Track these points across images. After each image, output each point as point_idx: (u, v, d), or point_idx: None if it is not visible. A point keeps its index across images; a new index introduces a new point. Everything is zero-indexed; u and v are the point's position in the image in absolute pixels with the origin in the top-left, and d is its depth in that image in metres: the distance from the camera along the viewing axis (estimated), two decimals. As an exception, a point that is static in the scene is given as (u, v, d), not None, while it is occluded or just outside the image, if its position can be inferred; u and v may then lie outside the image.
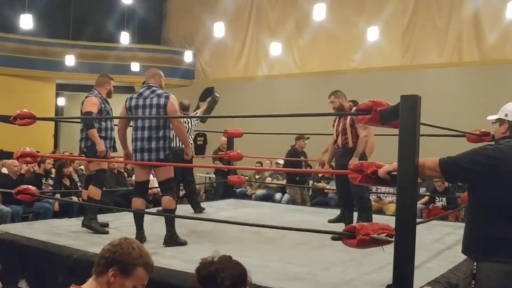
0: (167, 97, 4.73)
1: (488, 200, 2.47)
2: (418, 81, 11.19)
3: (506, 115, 2.60)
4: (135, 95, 4.84)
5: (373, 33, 10.41)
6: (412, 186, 2.81)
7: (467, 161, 2.50)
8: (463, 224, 6.28)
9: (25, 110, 4.99)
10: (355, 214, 5.47)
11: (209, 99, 7.19)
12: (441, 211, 7.90)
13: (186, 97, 13.83)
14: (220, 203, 8.07)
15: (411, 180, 2.79)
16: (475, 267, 2.50)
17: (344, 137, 5.37)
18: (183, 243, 4.70)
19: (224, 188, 9.02)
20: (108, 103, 5.44)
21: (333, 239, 4.74)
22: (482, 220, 2.51)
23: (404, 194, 2.83)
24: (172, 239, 4.67)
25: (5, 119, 5.00)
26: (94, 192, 5.17)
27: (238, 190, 9.94)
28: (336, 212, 6.72)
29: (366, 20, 11.64)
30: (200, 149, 14.00)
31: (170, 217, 4.74)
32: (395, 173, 2.88)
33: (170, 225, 4.71)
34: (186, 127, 6.37)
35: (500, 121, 2.63)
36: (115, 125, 5.48)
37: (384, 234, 3.08)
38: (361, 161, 3.13)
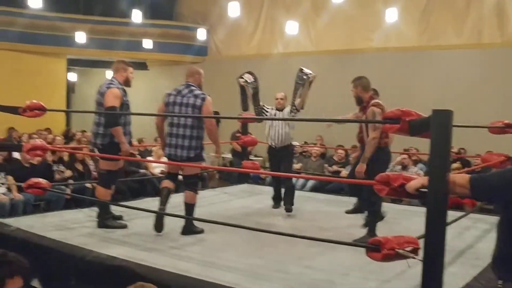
0: (203, 99, 4.83)
1: None
2: (435, 62, 10.93)
3: None
4: (173, 92, 4.94)
5: (391, 13, 10.10)
6: (443, 204, 2.65)
7: (499, 179, 2.32)
8: (482, 216, 6.14)
9: (34, 101, 4.85)
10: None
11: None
12: (457, 199, 7.71)
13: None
14: (234, 189, 7.97)
15: (442, 198, 2.62)
16: (500, 285, 2.37)
17: (361, 134, 5.07)
18: (200, 231, 4.91)
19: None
20: (127, 94, 5.07)
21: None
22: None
23: (434, 213, 2.67)
24: (188, 230, 4.88)
25: (13, 110, 4.84)
26: (103, 193, 5.02)
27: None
28: (352, 200, 6.58)
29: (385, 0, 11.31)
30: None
31: (189, 211, 4.94)
32: (425, 189, 2.70)
33: (189, 215, 4.91)
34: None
35: None
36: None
37: (410, 248, 2.94)
38: (387, 173, 2.95)
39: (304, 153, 10.54)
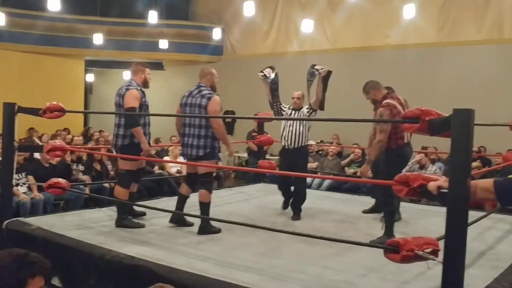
0: (209, 98, 4.92)
1: None
2: (455, 58, 10.80)
3: None
4: (186, 94, 5.08)
5: (409, 9, 9.99)
6: (464, 205, 2.61)
7: None
8: (504, 217, 6.04)
9: (54, 102, 4.92)
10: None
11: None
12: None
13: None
14: (250, 188, 7.97)
15: (463, 198, 2.58)
16: None
17: (374, 132, 5.05)
18: (217, 231, 4.91)
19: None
20: (145, 95, 5.18)
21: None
22: None
23: (454, 214, 2.64)
24: (205, 229, 4.88)
25: (34, 112, 4.92)
26: (121, 193, 5.09)
27: (268, 172, 9.78)
28: (368, 200, 6.54)
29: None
30: (229, 127, 13.89)
31: (204, 210, 4.97)
32: (445, 190, 2.68)
33: (204, 214, 4.95)
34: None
35: None
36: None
37: (429, 250, 2.92)
38: (407, 173, 2.93)
39: (320, 152, 10.50)
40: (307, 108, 5.88)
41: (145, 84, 5.22)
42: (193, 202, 5.26)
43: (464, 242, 2.66)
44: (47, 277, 2.01)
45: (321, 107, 5.82)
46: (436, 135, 2.88)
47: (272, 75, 5.94)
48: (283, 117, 6.06)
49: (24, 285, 1.92)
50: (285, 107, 6.04)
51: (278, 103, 6.00)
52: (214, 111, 4.92)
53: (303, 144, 5.87)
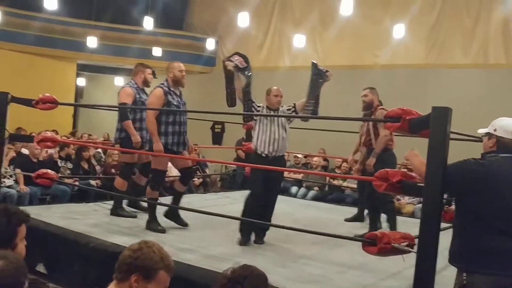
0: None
1: (472, 212, 2.52)
2: (442, 80, 11.02)
3: (495, 130, 2.64)
4: None
5: (399, 30, 10.25)
6: (439, 198, 2.75)
7: (451, 173, 2.61)
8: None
9: (47, 94, 4.98)
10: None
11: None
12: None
13: (206, 84, 13.99)
14: (237, 194, 8.03)
15: (438, 192, 2.72)
16: (464, 277, 2.52)
17: (368, 137, 5.26)
18: (161, 231, 4.82)
19: (243, 178, 9.00)
20: (145, 93, 5.45)
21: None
22: (468, 231, 2.55)
23: (429, 206, 2.77)
24: (148, 226, 4.89)
25: (27, 102, 5.00)
26: (121, 184, 5.37)
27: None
28: (352, 210, 6.67)
29: (392, 16, 11.44)
30: (217, 137, 14.00)
31: (148, 205, 5.06)
32: (421, 184, 2.83)
33: (149, 211, 4.98)
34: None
35: (489, 135, 2.67)
36: None
37: (405, 243, 3.04)
38: (386, 169, 3.06)
39: (306, 164, 10.63)
40: (288, 107, 4.89)
41: (146, 83, 5.50)
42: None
43: (437, 232, 2.78)
44: (28, 224, 2.17)
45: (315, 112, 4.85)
46: (415, 134, 3.02)
47: (244, 65, 4.72)
48: (264, 114, 4.81)
49: (15, 234, 2.07)
50: (258, 106, 4.85)
51: (250, 101, 4.77)
52: (149, 103, 5.06)
53: (284, 152, 4.88)
